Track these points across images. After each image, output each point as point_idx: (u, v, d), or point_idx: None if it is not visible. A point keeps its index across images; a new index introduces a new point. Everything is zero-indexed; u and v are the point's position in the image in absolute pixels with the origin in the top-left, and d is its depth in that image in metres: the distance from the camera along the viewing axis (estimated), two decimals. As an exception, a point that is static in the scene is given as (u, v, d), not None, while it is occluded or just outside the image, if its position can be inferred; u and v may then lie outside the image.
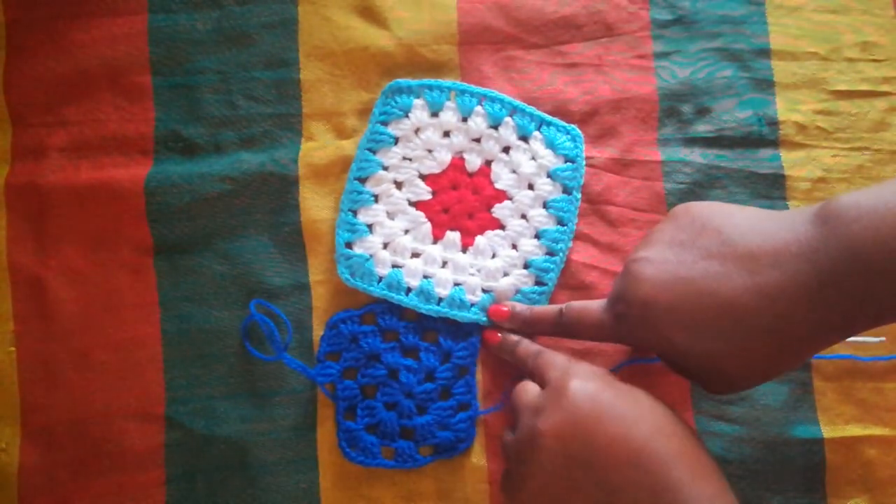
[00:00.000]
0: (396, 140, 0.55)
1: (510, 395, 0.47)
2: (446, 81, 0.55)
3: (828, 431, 0.52)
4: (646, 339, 0.45)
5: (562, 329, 0.49)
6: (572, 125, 0.55)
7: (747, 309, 0.40)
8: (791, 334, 0.40)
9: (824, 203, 0.39)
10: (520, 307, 0.51)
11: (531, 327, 0.51)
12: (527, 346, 0.50)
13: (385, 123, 0.55)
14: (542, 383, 0.45)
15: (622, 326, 0.45)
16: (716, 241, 0.42)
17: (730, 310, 0.40)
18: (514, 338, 0.51)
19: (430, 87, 0.55)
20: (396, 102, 0.55)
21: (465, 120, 0.55)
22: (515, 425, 0.45)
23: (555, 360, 0.47)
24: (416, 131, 0.55)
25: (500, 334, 0.51)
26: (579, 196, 0.54)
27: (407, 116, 0.55)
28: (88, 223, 0.54)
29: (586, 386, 0.42)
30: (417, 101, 0.55)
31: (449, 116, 0.55)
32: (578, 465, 0.40)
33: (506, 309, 0.51)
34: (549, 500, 0.41)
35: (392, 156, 0.54)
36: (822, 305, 0.38)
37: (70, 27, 0.56)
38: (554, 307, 0.50)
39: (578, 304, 0.48)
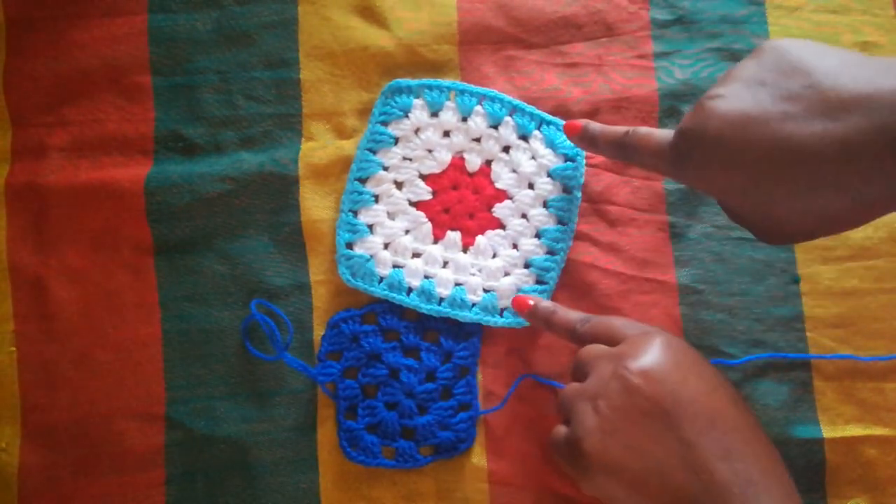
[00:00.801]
0: (396, 140, 0.55)
1: (573, 356, 0.46)
2: (446, 81, 0.55)
3: (828, 431, 0.52)
4: (705, 177, 0.42)
5: (623, 150, 0.47)
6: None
7: (824, 158, 0.36)
8: (867, 192, 0.36)
9: None
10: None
11: (595, 145, 0.49)
12: (567, 312, 0.48)
13: (385, 124, 0.55)
14: (610, 342, 0.44)
15: (684, 161, 0.42)
16: (801, 83, 0.38)
17: (803, 157, 0.37)
18: (550, 305, 0.49)
19: (430, 87, 0.55)
20: (396, 102, 0.55)
21: (464, 120, 0.55)
22: (587, 375, 0.43)
23: (619, 320, 0.46)
24: (416, 131, 0.55)
25: (531, 301, 0.50)
26: (580, 195, 0.54)
27: (407, 116, 0.55)
28: (88, 223, 0.54)
29: (672, 340, 0.43)
30: (417, 101, 0.55)
31: (449, 116, 0.55)
32: (662, 413, 0.40)
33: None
34: (624, 442, 0.40)
35: (392, 156, 0.54)
36: None
37: (70, 27, 0.56)
38: (620, 129, 0.47)
39: (645, 130, 0.45)
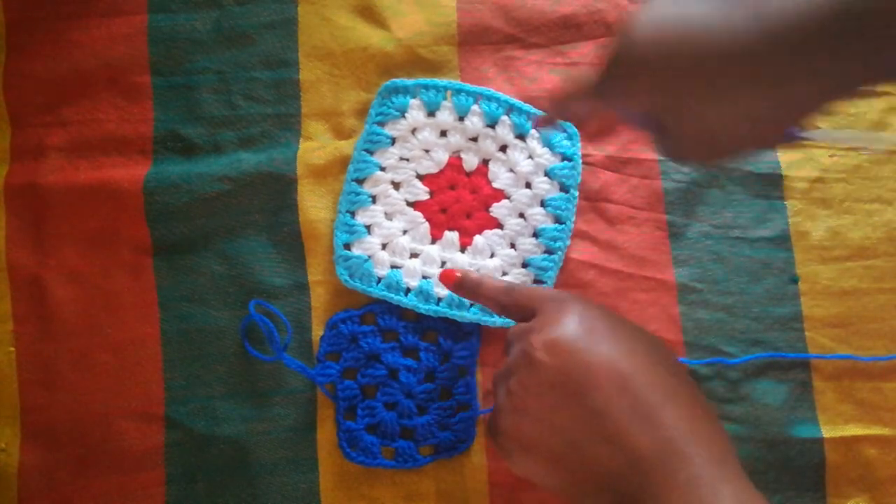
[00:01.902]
0: (393, 140, 0.55)
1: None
2: (442, 81, 0.55)
3: (828, 431, 0.52)
4: (632, 93, 0.39)
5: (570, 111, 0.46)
6: (569, 122, 0.55)
7: (754, 57, 0.34)
8: (801, 88, 0.35)
9: None
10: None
11: None
12: (494, 283, 0.47)
13: (381, 124, 0.55)
14: (529, 315, 0.43)
15: (612, 83, 0.40)
16: None
17: (732, 53, 0.35)
18: (476, 276, 0.48)
19: (427, 87, 0.55)
20: (393, 103, 0.55)
21: (461, 119, 0.55)
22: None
23: (538, 290, 0.45)
24: (413, 131, 0.55)
25: (457, 272, 0.48)
26: (577, 194, 0.54)
27: (403, 117, 0.55)
28: (87, 223, 0.54)
29: (586, 308, 0.41)
30: (414, 101, 0.55)
31: (445, 116, 0.55)
32: (571, 384, 0.38)
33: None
34: (535, 418, 0.39)
35: (389, 156, 0.54)
36: (845, 50, 0.33)
37: (70, 27, 0.56)
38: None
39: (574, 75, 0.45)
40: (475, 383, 0.53)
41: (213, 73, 0.56)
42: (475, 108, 0.55)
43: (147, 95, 0.55)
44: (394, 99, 0.55)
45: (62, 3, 0.56)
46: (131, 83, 0.56)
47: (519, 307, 0.44)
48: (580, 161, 0.54)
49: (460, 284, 0.48)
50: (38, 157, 0.55)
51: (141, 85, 0.56)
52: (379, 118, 0.55)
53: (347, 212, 0.54)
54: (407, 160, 0.55)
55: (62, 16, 0.56)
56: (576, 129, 0.55)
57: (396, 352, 0.53)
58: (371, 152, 0.54)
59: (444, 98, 0.55)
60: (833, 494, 0.52)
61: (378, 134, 0.54)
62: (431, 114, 0.55)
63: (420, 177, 0.55)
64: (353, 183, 0.54)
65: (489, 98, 0.55)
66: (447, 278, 0.48)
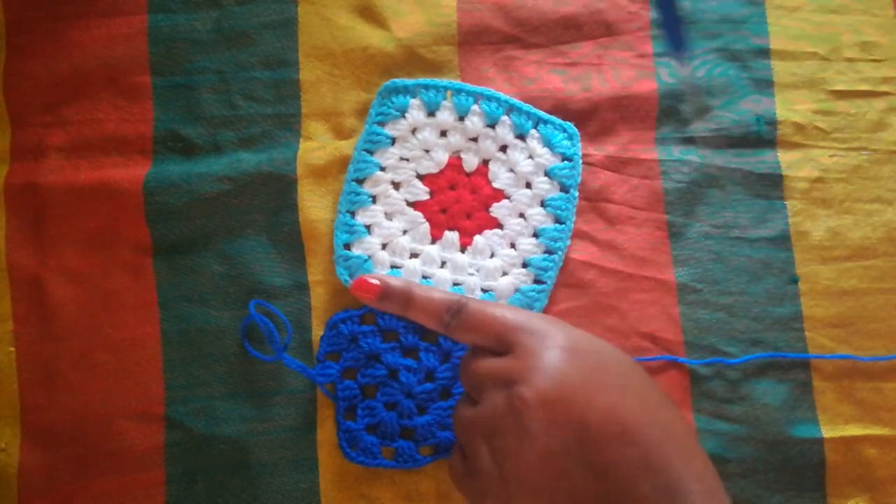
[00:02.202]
0: (393, 141, 0.55)
1: (459, 367, 0.41)
2: (442, 81, 0.55)
3: (827, 431, 0.52)
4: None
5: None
6: (568, 122, 0.55)
7: None
8: None
9: None
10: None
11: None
12: (430, 295, 0.42)
13: (381, 124, 0.55)
14: (497, 346, 0.40)
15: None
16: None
17: None
18: (404, 285, 0.43)
19: (427, 87, 0.55)
20: (392, 103, 0.55)
21: (461, 119, 0.55)
22: (479, 397, 0.40)
23: (500, 313, 0.40)
24: (413, 131, 0.55)
25: (373, 280, 0.43)
26: (577, 194, 0.54)
27: (403, 117, 0.55)
28: (87, 223, 0.54)
29: (571, 344, 0.38)
30: (414, 101, 0.55)
31: (445, 116, 0.55)
32: (569, 443, 0.36)
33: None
34: (530, 488, 0.37)
35: (389, 156, 0.54)
36: None
37: (69, 27, 0.56)
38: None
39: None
40: (475, 383, 0.53)
41: (213, 73, 0.56)
42: (475, 108, 0.55)
43: (147, 95, 0.55)
44: (394, 99, 0.55)
45: (62, 3, 0.56)
46: (131, 83, 0.55)
47: (476, 332, 0.41)
48: (580, 161, 0.54)
49: (384, 296, 0.43)
50: (38, 157, 0.55)
51: (141, 85, 0.55)
52: (379, 118, 0.55)
53: (347, 212, 0.54)
54: (407, 160, 0.55)
55: (62, 16, 0.56)
56: (575, 129, 0.55)
57: (396, 352, 0.53)
58: (371, 152, 0.54)
59: (444, 98, 0.55)
60: (833, 494, 0.52)
61: (378, 134, 0.54)
62: (431, 114, 0.55)
63: (420, 177, 0.55)
64: (353, 183, 0.54)
65: (489, 98, 0.55)
66: (364, 290, 0.43)
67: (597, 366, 0.38)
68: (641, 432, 0.36)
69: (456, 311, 0.41)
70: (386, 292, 0.43)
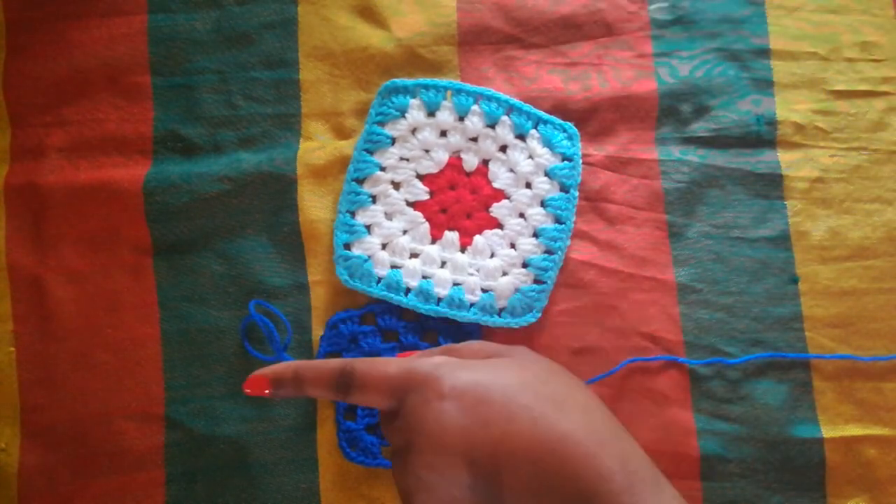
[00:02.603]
0: (393, 141, 0.55)
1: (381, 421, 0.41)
2: (442, 81, 0.55)
3: (827, 431, 0.52)
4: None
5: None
6: (568, 122, 0.55)
7: None
8: None
9: None
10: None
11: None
12: (318, 366, 0.41)
13: (381, 124, 0.55)
14: (397, 404, 0.39)
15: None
16: None
17: None
18: (283, 366, 0.41)
19: (427, 87, 0.55)
20: (392, 103, 0.55)
21: (461, 119, 0.55)
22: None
23: (391, 371, 0.40)
24: (413, 131, 0.55)
25: (264, 375, 0.41)
26: (577, 194, 0.54)
27: (403, 117, 0.55)
28: (87, 223, 0.54)
29: (450, 392, 0.38)
30: (414, 101, 0.55)
31: (445, 116, 0.55)
32: (464, 485, 0.37)
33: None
34: None
35: (389, 156, 0.54)
36: None
37: (69, 27, 0.56)
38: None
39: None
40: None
41: (213, 73, 0.56)
42: (475, 108, 0.55)
43: (147, 95, 0.55)
44: (394, 99, 0.55)
45: (62, 3, 0.56)
46: (131, 83, 0.55)
47: (377, 395, 0.40)
48: (580, 161, 0.54)
49: (276, 384, 0.41)
50: (38, 157, 0.55)
51: (141, 85, 0.55)
52: (379, 118, 0.55)
53: (347, 212, 0.54)
54: (407, 160, 0.55)
55: (62, 16, 0.56)
56: (575, 130, 0.55)
57: (396, 352, 0.53)
58: (371, 152, 0.54)
59: (444, 98, 0.55)
60: (833, 494, 0.52)
61: (378, 134, 0.54)
62: (431, 114, 0.55)
63: (420, 177, 0.55)
64: (353, 183, 0.54)
65: (489, 98, 0.55)
66: (256, 387, 0.41)
67: (477, 401, 0.38)
68: (534, 451, 0.37)
69: (348, 374, 0.40)
70: (275, 380, 0.41)
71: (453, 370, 0.39)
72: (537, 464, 0.37)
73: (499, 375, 0.40)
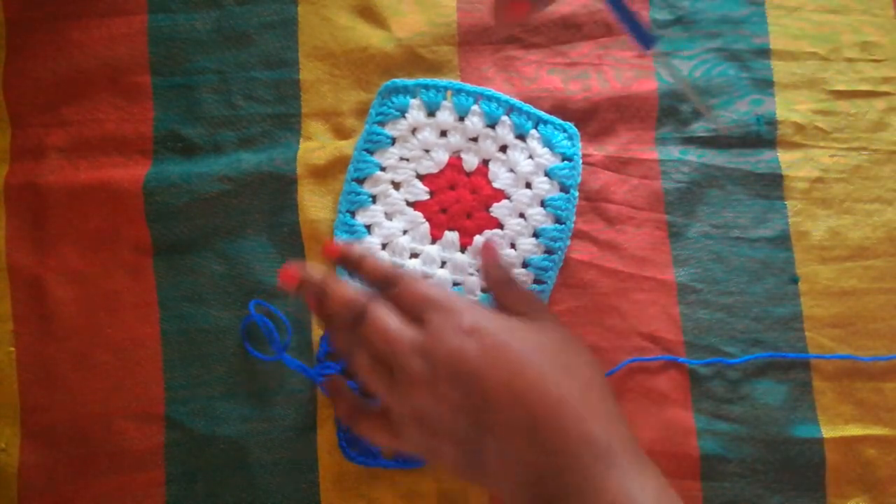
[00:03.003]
0: (393, 141, 0.55)
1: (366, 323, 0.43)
2: (442, 81, 0.55)
3: (828, 431, 0.52)
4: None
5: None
6: (569, 122, 0.55)
7: None
8: None
9: None
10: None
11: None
12: (375, 259, 0.46)
13: (382, 124, 0.55)
14: (414, 312, 0.43)
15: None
16: None
17: None
18: (357, 248, 0.47)
19: (427, 87, 0.55)
20: (393, 103, 0.55)
21: (461, 119, 0.55)
22: (390, 361, 0.42)
23: (430, 292, 0.44)
24: (413, 131, 0.55)
25: (338, 244, 0.48)
26: (577, 194, 0.54)
27: (403, 117, 0.55)
28: (87, 223, 0.54)
29: (472, 328, 0.41)
30: (414, 101, 0.55)
31: (445, 116, 0.55)
32: (466, 406, 0.40)
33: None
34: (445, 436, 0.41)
35: (389, 156, 0.54)
36: None
37: (70, 27, 0.56)
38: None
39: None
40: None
41: (213, 73, 0.56)
42: (475, 108, 0.55)
43: (147, 95, 0.55)
44: (394, 99, 0.55)
45: (62, 2, 0.56)
46: (131, 83, 0.55)
47: (411, 298, 0.44)
48: (580, 161, 0.54)
49: (345, 256, 0.47)
50: (38, 157, 0.55)
51: (141, 85, 0.55)
52: (379, 118, 0.55)
53: (347, 212, 0.54)
54: (407, 160, 0.55)
55: (62, 16, 0.56)
56: (576, 130, 0.55)
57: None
58: (371, 152, 0.54)
59: (444, 98, 0.55)
60: (833, 495, 0.52)
61: (378, 134, 0.54)
62: (431, 114, 0.55)
63: (420, 177, 0.55)
64: (353, 183, 0.54)
65: (489, 98, 0.55)
66: (329, 252, 0.47)
67: (495, 346, 0.41)
68: (534, 403, 0.39)
69: (396, 277, 0.45)
70: (345, 252, 0.47)
71: (477, 312, 0.43)
72: (533, 414, 0.39)
73: (520, 333, 0.43)
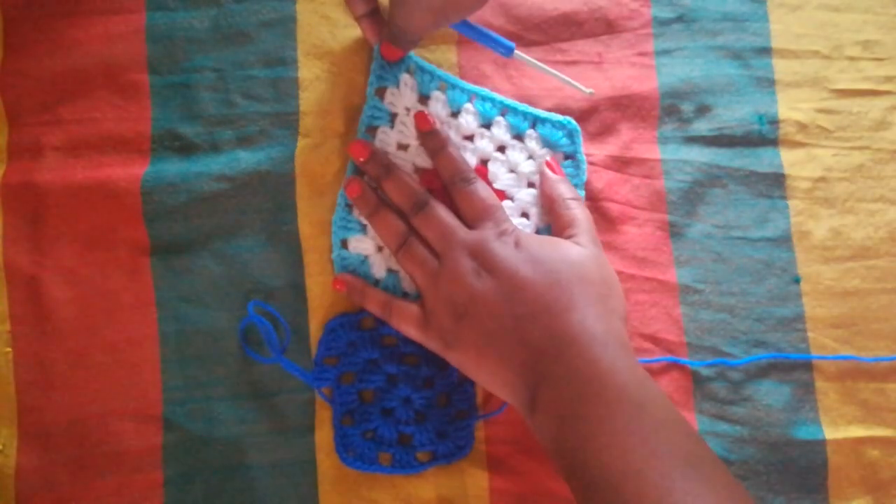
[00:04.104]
0: (392, 120, 0.54)
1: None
2: (438, 70, 0.54)
3: (830, 432, 0.52)
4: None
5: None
6: (567, 117, 0.54)
7: None
8: None
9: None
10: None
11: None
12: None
13: (381, 93, 0.53)
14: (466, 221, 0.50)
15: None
16: None
17: None
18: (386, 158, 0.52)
19: (422, 69, 0.54)
20: (391, 67, 0.53)
21: (454, 115, 0.54)
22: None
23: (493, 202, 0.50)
24: (408, 111, 0.53)
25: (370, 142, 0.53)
26: (582, 193, 0.53)
27: (398, 87, 0.54)
28: (85, 223, 0.54)
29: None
30: (406, 76, 0.53)
31: (438, 108, 0.53)
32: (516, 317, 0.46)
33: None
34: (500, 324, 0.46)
35: (388, 145, 0.53)
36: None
37: (67, 25, 0.55)
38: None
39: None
40: (474, 389, 0.53)
41: (212, 72, 0.56)
42: (468, 106, 0.54)
43: (145, 94, 0.55)
44: (391, 65, 0.53)
45: (60, 1, 0.56)
46: (129, 81, 0.55)
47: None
48: (584, 160, 0.54)
49: (378, 159, 0.52)
50: (35, 156, 0.54)
51: (139, 83, 0.55)
52: (379, 83, 0.53)
53: (346, 206, 0.53)
54: (405, 149, 0.54)
55: (59, 14, 0.56)
56: (576, 125, 0.54)
57: (394, 358, 0.52)
58: (370, 133, 0.53)
59: (437, 88, 0.54)
60: (835, 496, 0.52)
61: (379, 109, 0.53)
62: (424, 98, 0.54)
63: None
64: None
65: (483, 98, 0.54)
66: (357, 150, 0.52)
67: (539, 261, 0.47)
68: (552, 304, 0.46)
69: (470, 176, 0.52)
70: (375, 153, 0.53)
71: (526, 234, 0.49)
72: (553, 312, 0.46)
73: (561, 257, 0.48)
